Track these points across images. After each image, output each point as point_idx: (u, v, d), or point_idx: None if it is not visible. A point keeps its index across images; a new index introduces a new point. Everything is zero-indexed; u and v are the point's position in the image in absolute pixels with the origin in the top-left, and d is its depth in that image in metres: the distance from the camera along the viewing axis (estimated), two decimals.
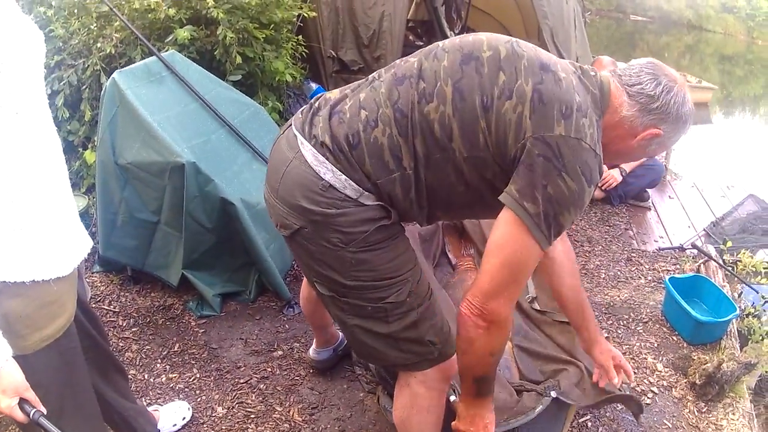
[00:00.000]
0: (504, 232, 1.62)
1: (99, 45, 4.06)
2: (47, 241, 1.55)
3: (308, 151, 1.71)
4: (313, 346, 2.98)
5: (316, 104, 1.83)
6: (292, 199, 1.73)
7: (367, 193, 1.70)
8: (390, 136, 1.67)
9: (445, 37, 6.85)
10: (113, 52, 4.00)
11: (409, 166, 1.69)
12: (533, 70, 1.65)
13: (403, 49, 5.57)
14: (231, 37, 4.04)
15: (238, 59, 4.13)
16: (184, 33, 3.95)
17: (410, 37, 7.26)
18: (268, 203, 1.88)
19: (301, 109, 1.88)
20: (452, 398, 2.28)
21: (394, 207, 1.77)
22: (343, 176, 1.68)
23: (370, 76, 1.85)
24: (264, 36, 4.34)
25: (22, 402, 1.47)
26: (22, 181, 1.47)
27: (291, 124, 1.84)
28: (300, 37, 5.06)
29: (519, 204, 1.58)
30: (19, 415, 1.46)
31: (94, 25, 4.14)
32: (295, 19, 4.94)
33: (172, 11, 4.01)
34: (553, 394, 2.39)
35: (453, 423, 1.97)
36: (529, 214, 1.57)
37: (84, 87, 4.09)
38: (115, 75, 3.19)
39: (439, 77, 1.68)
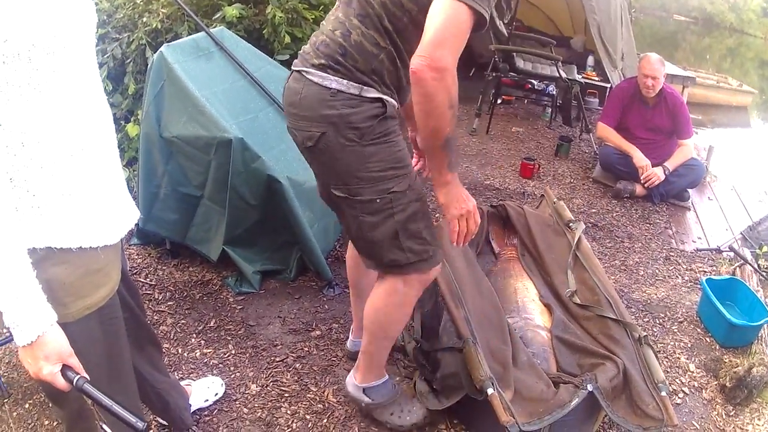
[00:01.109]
0: (444, 3, 1.85)
1: (145, 19, 4.07)
2: (96, 208, 1.54)
3: (314, 75, 2.09)
4: (351, 337, 2.98)
5: (303, 53, 2.21)
6: (312, 112, 2.10)
7: (366, 87, 2.07)
8: (363, 33, 2.06)
9: (495, 26, 6.83)
10: (159, 27, 4.01)
11: (386, 44, 2.07)
12: None
13: None
14: (280, 17, 4.04)
15: (287, 39, 4.13)
16: (232, 11, 3.96)
17: None
18: (293, 128, 2.22)
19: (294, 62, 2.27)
20: (490, 391, 2.27)
21: (392, 89, 2.14)
22: (345, 80, 2.06)
23: (322, 24, 2.24)
24: (313, 17, 4.34)
25: (65, 369, 1.41)
26: (73, 147, 1.45)
27: (292, 71, 2.21)
28: None
29: None
30: (61, 382, 1.41)
31: None
32: None
33: None
34: (590, 387, 2.37)
35: (444, 215, 2.19)
36: None
37: (128, 61, 4.11)
38: (162, 49, 3.19)
39: None
